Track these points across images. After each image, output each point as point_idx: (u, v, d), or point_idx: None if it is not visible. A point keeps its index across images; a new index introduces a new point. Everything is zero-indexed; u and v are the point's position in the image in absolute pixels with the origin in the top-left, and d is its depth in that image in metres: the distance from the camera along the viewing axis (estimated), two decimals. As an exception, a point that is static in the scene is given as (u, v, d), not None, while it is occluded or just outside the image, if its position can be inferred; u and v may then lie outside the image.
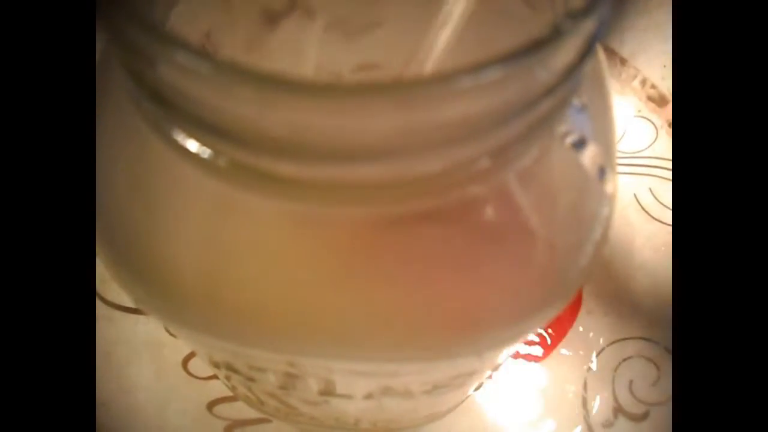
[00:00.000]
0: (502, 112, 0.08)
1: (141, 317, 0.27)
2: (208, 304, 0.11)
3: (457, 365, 0.13)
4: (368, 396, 0.17)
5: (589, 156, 0.13)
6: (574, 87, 0.10)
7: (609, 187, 0.14)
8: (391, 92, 0.07)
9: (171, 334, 0.27)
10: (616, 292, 0.30)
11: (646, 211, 0.31)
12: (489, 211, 0.10)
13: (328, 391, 0.16)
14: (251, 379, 0.17)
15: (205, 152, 0.10)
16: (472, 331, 0.11)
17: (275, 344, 0.11)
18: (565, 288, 0.12)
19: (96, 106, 0.12)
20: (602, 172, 0.14)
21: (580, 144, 0.13)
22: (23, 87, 0.10)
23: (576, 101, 0.12)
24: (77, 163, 0.11)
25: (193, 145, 0.10)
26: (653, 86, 0.32)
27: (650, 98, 0.32)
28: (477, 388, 0.24)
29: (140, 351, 0.27)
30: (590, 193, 0.13)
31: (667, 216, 0.31)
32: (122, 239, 0.13)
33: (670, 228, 0.31)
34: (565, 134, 0.12)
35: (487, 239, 0.10)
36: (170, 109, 0.09)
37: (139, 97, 0.10)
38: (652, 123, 0.32)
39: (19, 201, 0.11)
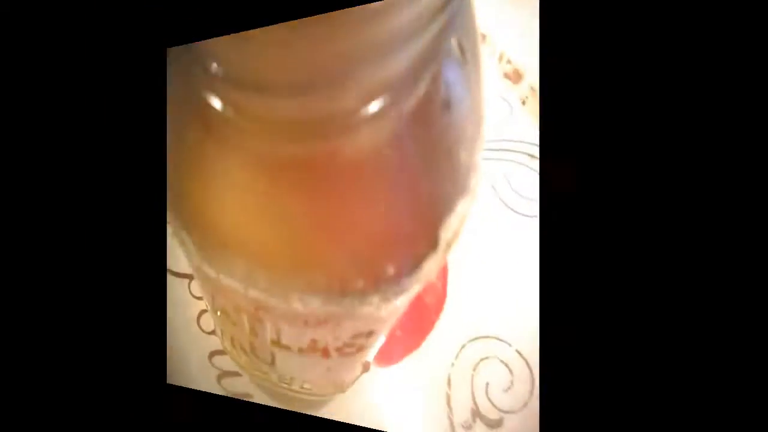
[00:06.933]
0: (389, 41, 0.09)
1: (175, 280, 0.32)
2: (217, 239, 0.14)
3: (357, 323, 0.16)
4: (300, 350, 0.19)
5: (462, 111, 0.13)
6: (451, 19, 0.10)
7: (477, 157, 0.14)
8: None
9: (194, 297, 0.32)
10: (479, 287, 0.28)
11: (503, 202, 0.28)
12: (382, 155, 0.11)
13: (276, 341, 0.19)
14: (235, 324, 0.20)
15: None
16: (368, 268, 0.12)
17: (238, 272, 0.14)
18: (439, 239, 0.14)
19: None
20: (472, 134, 0.14)
21: (456, 97, 0.12)
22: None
23: (455, 48, 0.12)
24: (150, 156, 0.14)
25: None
26: (509, 61, 0.29)
27: (506, 75, 0.29)
28: (366, 369, 0.26)
29: (171, 308, 0.32)
30: (463, 149, 0.13)
31: (527, 207, 0.29)
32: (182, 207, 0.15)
33: (531, 219, 0.28)
34: (444, 84, 0.12)
35: (374, 182, 0.11)
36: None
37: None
38: (507, 102, 0.29)
39: (103, 189, 0.13)
